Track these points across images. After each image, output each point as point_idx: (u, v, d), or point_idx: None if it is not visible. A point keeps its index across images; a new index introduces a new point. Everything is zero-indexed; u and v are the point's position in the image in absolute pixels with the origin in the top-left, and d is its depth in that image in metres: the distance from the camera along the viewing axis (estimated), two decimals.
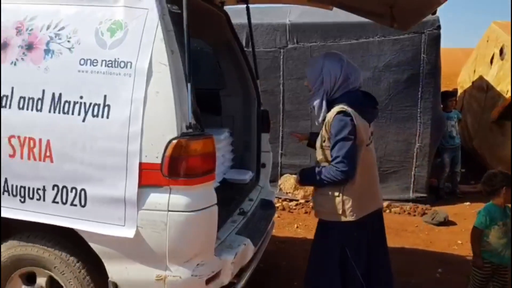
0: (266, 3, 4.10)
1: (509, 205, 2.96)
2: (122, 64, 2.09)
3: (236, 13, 3.80)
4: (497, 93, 6.16)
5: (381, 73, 5.49)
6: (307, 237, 4.44)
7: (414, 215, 5.27)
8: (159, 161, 2.07)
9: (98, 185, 2.13)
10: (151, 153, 2.07)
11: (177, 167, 2.08)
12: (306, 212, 5.30)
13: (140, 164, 2.08)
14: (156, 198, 2.11)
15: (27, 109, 2.19)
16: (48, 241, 2.33)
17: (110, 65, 2.10)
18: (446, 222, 4.95)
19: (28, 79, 2.19)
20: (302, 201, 5.54)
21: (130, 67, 2.08)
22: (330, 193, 2.43)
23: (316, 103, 2.47)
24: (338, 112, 2.35)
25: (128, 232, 2.12)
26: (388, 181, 5.58)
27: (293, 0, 4.04)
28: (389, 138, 5.55)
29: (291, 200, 5.59)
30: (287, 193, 5.24)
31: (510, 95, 5.70)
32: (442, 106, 5.79)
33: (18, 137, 2.20)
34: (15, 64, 2.21)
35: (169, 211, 2.10)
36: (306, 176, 2.58)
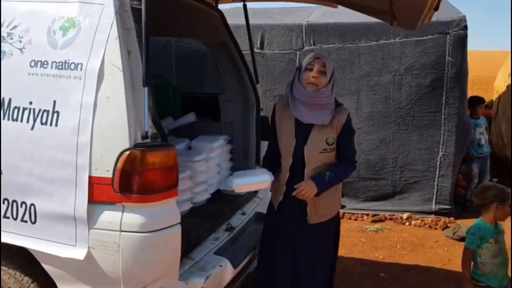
0: (269, 1, 3.84)
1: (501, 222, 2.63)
2: (72, 66, 1.87)
3: (254, 14, 3.55)
4: None
5: (403, 76, 5.13)
6: None
7: (436, 229, 4.84)
8: (110, 175, 1.85)
9: (48, 200, 1.93)
10: (101, 166, 1.85)
11: (129, 182, 1.85)
12: None
13: (90, 178, 1.86)
14: (108, 216, 1.88)
15: None
16: (2, 259, 2.14)
17: (60, 67, 1.89)
18: None
19: None
20: None
21: (81, 69, 1.86)
22: (331, 191, 2.36)
23: (332, 101, 2.27)
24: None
25: (79, 253, 1.91)
26: (409, 191, 5.23)
27: None
28: (410, 146, 5.19)
29: None
30: None
31: None
32: (470, 112, 5.35)
33: None
34: None
35: (121, 231, 1.87)
36: (323, 186, 2.31)
